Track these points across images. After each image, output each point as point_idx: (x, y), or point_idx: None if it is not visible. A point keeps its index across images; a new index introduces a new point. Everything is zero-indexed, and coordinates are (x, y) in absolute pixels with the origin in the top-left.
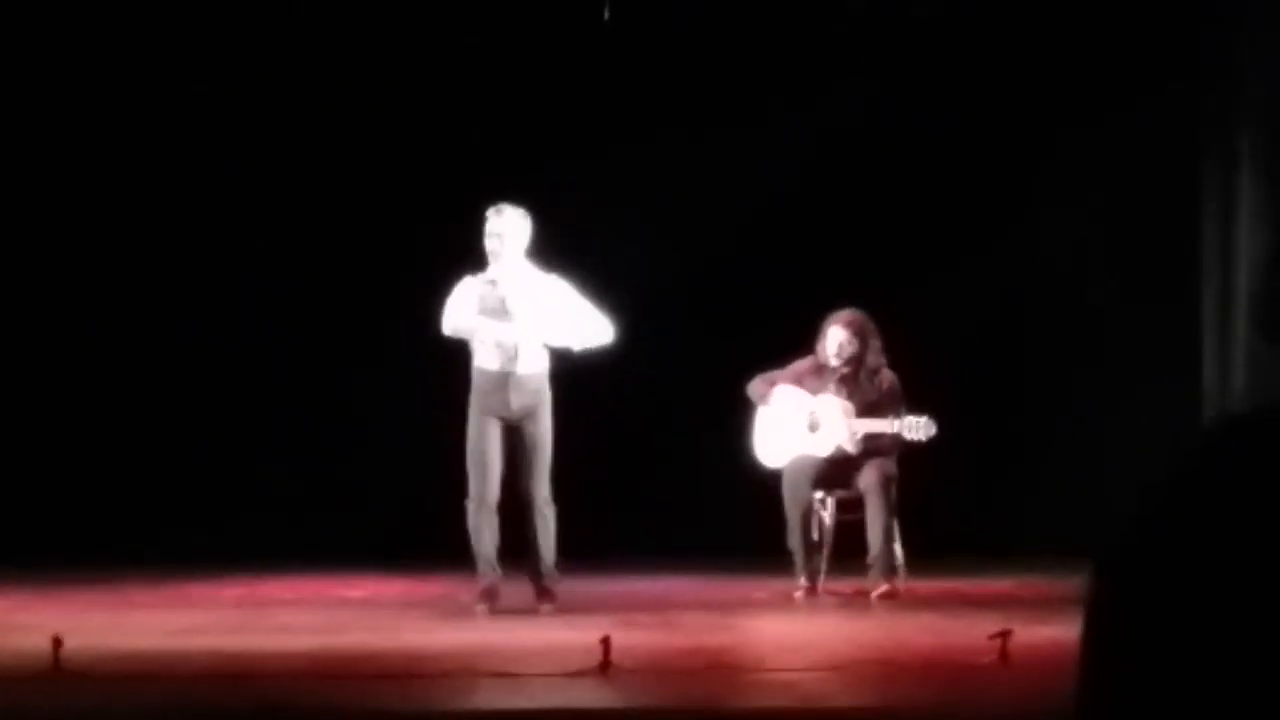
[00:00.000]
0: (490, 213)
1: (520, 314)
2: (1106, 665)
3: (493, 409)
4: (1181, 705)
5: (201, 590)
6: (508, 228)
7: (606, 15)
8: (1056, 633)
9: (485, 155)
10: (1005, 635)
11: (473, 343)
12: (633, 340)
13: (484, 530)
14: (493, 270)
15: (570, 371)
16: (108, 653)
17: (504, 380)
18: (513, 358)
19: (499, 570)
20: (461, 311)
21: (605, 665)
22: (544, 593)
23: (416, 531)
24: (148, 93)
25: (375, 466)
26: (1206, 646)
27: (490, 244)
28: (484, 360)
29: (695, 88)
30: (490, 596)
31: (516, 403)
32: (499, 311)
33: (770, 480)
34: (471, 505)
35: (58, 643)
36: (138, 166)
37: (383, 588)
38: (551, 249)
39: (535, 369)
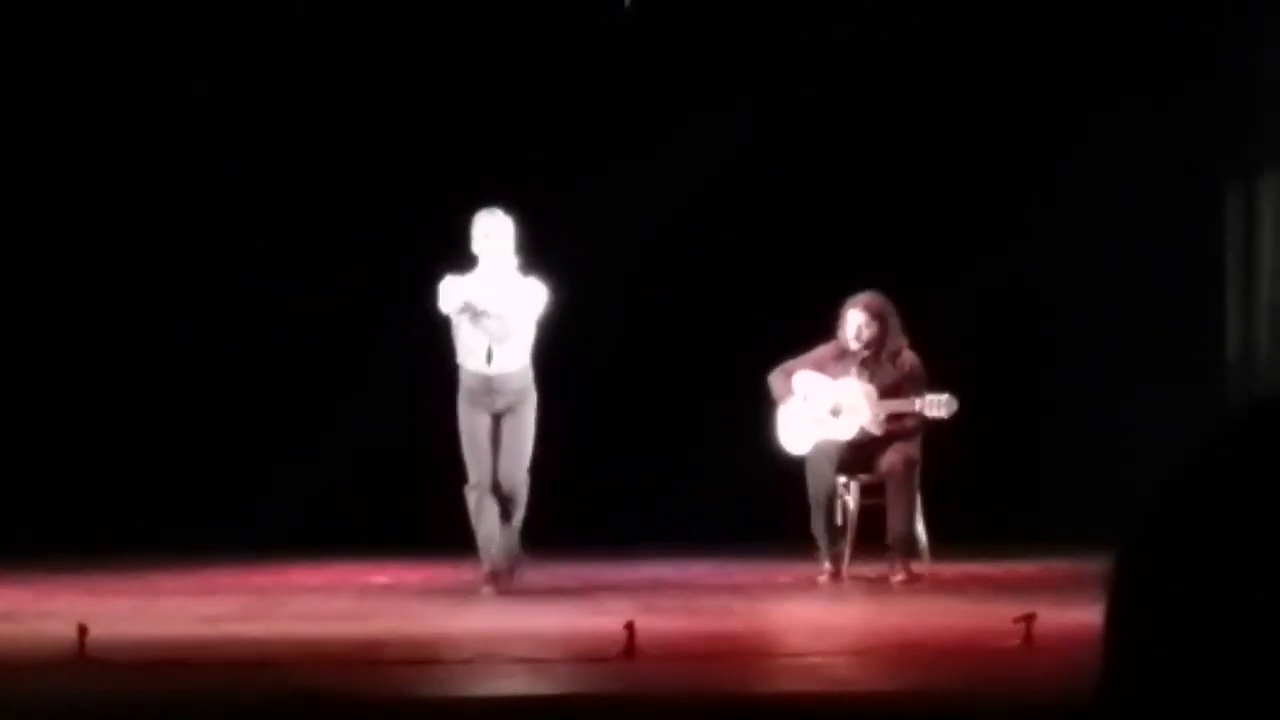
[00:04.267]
0: (482, 214)
1: (495, 312)
2: (1130, 650)
3: (479, 404)
4: (1206, 691)
5: (226, 577)
6: (498, 229)
7: (628, 3)
8: (1081, 616)
9: (485, 151)
10: (1029, 619)
11: (455, 342)
12: (657, 326)
13: (484, 515)
14: (479, 270)
15: (595, 356)
16: (133, 640)
17: (484, 381)
18: (488, 359)
19: (500, 553)
20: (451, 297)
21: (629, 650)
22: (508, 568)
23: (440, 517)
24: (147, 92)
25: (399, 453)
26: (1230, 632)
27: (480, 244)
28: (464, 360)
29: (711, 68)
30: (495, 579)
31: (500, 402)
32: (472, 303)
33: (794, 465)
34: (471, 492)
35: (83, 630)
36: (144, 164)
37: (407, 574)
38: (569, 237)
39: (513, 368)
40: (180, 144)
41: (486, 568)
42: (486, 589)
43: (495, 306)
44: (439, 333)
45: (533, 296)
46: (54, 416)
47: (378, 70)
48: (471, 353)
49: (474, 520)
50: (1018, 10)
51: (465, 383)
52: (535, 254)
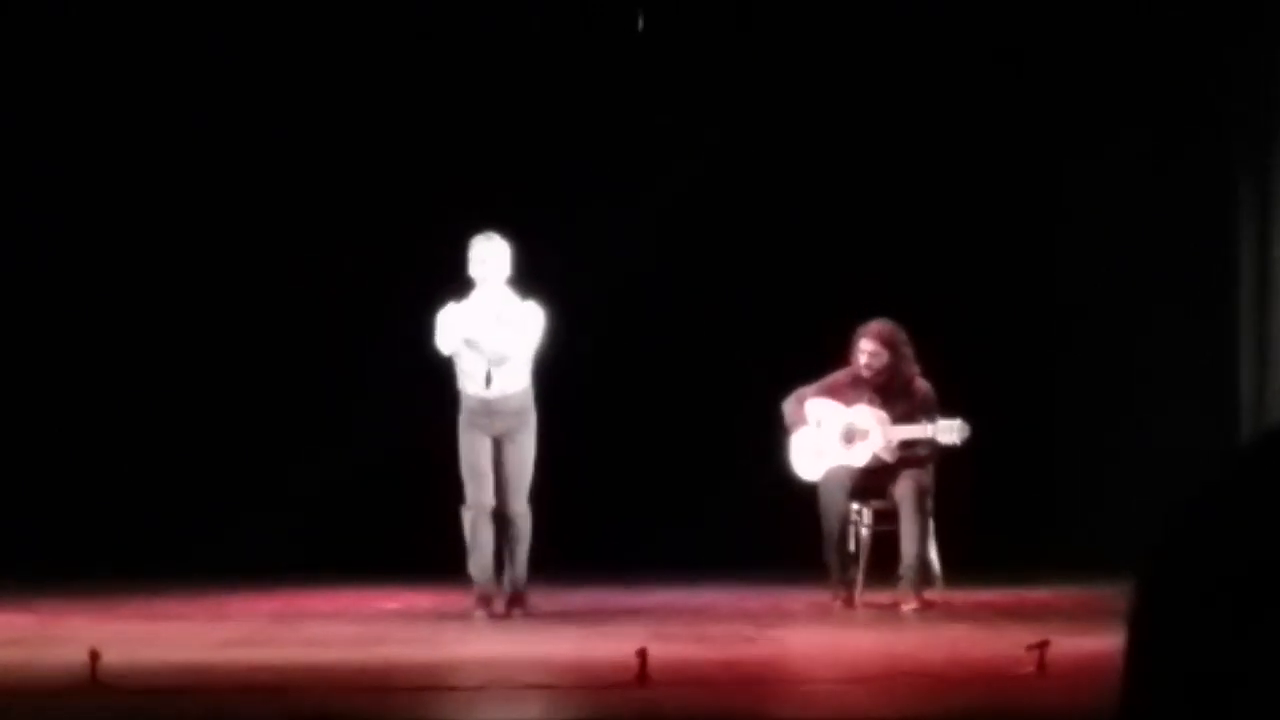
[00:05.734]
0: (478, 239)
1: (490, 342)
2: (1148, 678)
3: (480, 427)
4: (1224, 718)
5: (238, 603)
6: (494, 254)
7: (640, 24)
8: (1094, 643)
9: (483, 175)
10: (1043, 646)
11: (456, 367)
12: (671, 352)
13: (480, 537)
14: (476, 296)
15: (608, 382)
16: (145, 666)
17: (484, 405)
18: (487, 383)
19: (493, 577)
20: (449, 334)
21: (642, 677)
22: (515, 599)
23: (451, 543)
24: (151, 115)
25: (410, 479)
26: (1249, 659)
27: (476, 269)
28: (464, 385)
29: (724, 90)
30: (486, 602)
31: (499, 424)
32: (472, 341)
33: (806, 492)
34: (467, 514)
35: (95, 656)
36: (146, 185)
37: (418, 599)
38: (582, 262)
39: (512, 390)
40: (180, 169)
41: (478, 591)
42: (479, 613)
43: (491, 338)
44: (443, 358)
45: (530, 323)
46: (65, 442)
47: (381, 94)
48: (470, 377)
49: (469, 541)
50: (1035, 34)
51: (466, 406)
52: (545, 277)
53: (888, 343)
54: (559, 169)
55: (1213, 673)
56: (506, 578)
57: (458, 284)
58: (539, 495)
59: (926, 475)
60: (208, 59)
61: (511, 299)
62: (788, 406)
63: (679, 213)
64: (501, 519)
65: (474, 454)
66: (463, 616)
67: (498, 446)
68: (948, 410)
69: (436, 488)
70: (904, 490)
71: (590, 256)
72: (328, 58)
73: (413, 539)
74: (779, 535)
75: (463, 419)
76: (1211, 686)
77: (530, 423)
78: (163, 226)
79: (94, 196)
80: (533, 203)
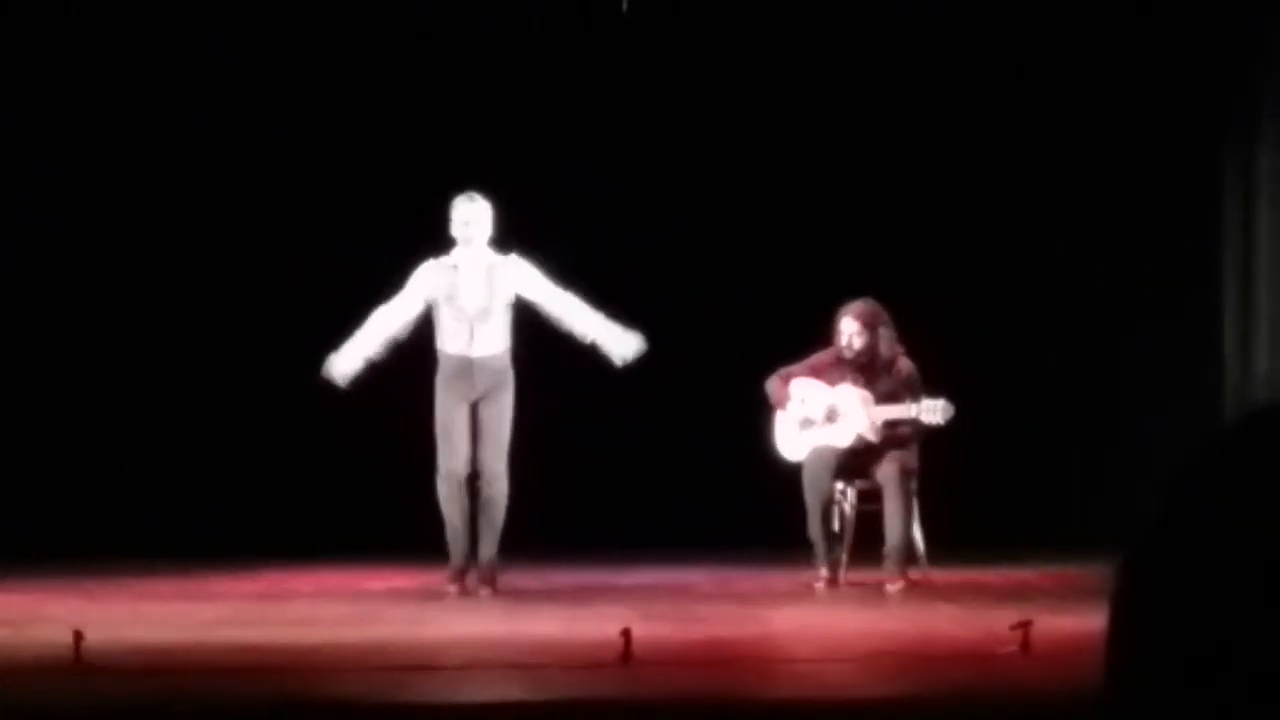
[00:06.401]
0: (462, 199)
1: (475, 300)
2: (1133, 657)
3: (458, 390)
4: (1209, 697)
5: (222, 583)
6: (479, 215)
7: (625, 6)
8: (1078, 622)
9: (473, 142)
10: (1026, 625)
11: (435, 325)
12: (653, 332)
13: (453, 507)
14: (457, 255)
15: (592, 362)
16: (129, 646)
17: (465, 364)
18: (469, 342)
19: (466, 550)
20: (367, 336)
21: (626, 657)
22: (484, 578)
23: (436, 523)
24: (129, 93)
25: (395, 458)
26: (1234, 638)
27: (460, 230)
28: (444, 344)
29: (710, 68)
30: (459, 577)
31: (480, 385)
32: (454, 297)
33: (790, 471)
34: (441, 482)
35: (79, 636)
36: (134, 166)
37: (403, 580)
38: (560, 237)
39: (494, 350)
40: (168, 147)
41: (452, 566)
42: (452, 588)
43: (474, 296)
44: (430, 331)
45: (512, 275)
46: (49, 422)
47: (360, 63)
48: (453, 335)
49: (444, 510)
50: (1026, 31)
51: (445, 367)
52: (529, 254)
53: (868, 323)
54: (548, 146)
55: (1202, 651)
56: (480, 551)
57: (440, 245)
58: (523, 474)
59: (910, 455)
60: (201, 54)
61: (494, 258)
62: (772, 385)
63: (657, 188)
64: (477, 482)
65: (449, 418)
66: (441, 595)
67: (475, 410)
68: (935, 390)
69: (423, 467)
70: (888, 470)
71: (570, 235)
72: (306, 29)
73: (397, 518)
74: (764, 515)
75: (440, 380)
76: (1201, 667)
77: (509, 383)
78: (145, 213)
79: (77, 186)
80: (517, 178)
